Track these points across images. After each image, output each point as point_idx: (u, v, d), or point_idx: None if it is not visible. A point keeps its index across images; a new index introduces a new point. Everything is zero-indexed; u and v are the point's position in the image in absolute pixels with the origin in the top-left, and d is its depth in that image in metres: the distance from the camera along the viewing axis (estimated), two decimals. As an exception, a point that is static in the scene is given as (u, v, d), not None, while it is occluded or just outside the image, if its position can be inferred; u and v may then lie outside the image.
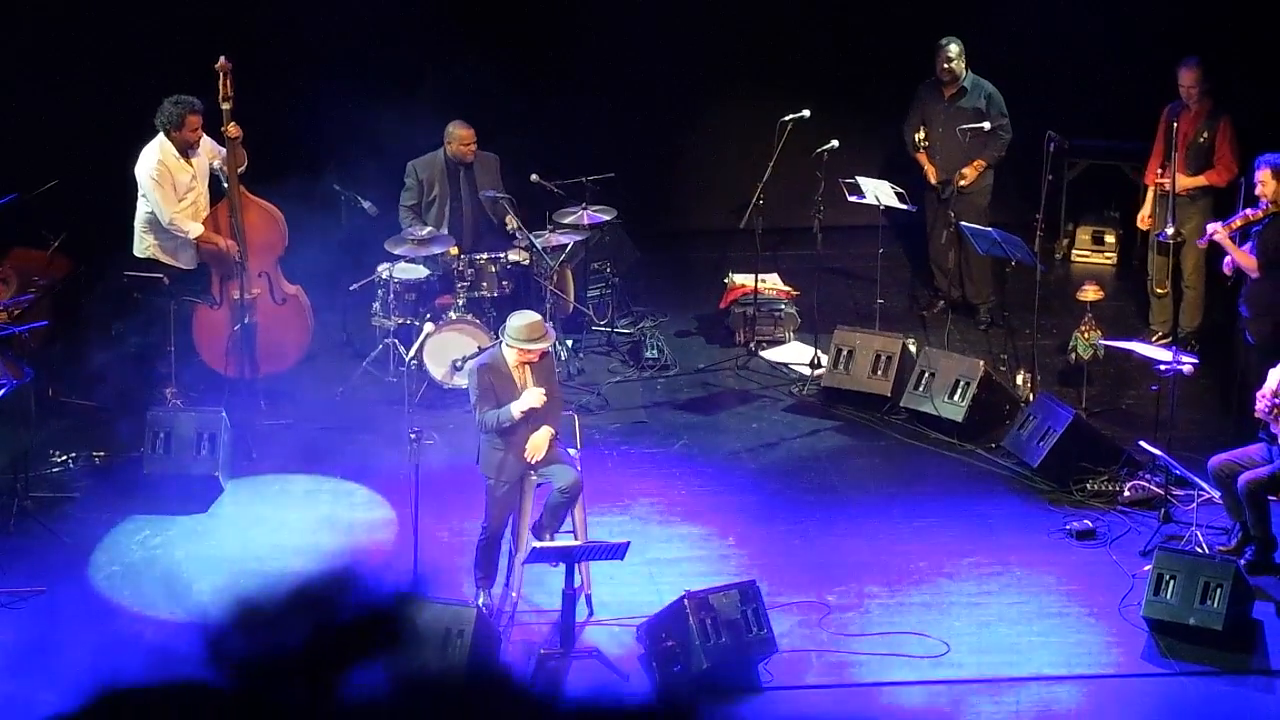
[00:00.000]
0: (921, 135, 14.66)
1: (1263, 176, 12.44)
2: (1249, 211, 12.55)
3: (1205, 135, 13.98)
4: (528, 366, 10.69)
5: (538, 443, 10.71)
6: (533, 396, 10.61)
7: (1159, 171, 13.98)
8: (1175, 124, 13.66)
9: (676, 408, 13.72)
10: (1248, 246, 12.54)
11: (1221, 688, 10.44)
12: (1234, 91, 14.25)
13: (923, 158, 14.69)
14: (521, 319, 10.73)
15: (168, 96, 12.96)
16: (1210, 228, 12.68)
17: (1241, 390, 12.52)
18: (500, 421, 10.61)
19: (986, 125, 14.42)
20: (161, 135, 12.95)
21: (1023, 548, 11.69)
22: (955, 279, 14.89)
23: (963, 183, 14.51)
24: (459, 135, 14.00)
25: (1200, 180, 13.98)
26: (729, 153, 16.07)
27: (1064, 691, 10.34)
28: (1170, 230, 13.63)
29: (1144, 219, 14.34)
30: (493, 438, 10.73)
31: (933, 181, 14.63)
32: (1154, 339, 13.88)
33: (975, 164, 14.53)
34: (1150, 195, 14.24)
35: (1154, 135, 14.18)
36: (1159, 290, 14.34)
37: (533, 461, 10.73)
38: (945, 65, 14.51)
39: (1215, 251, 13.04)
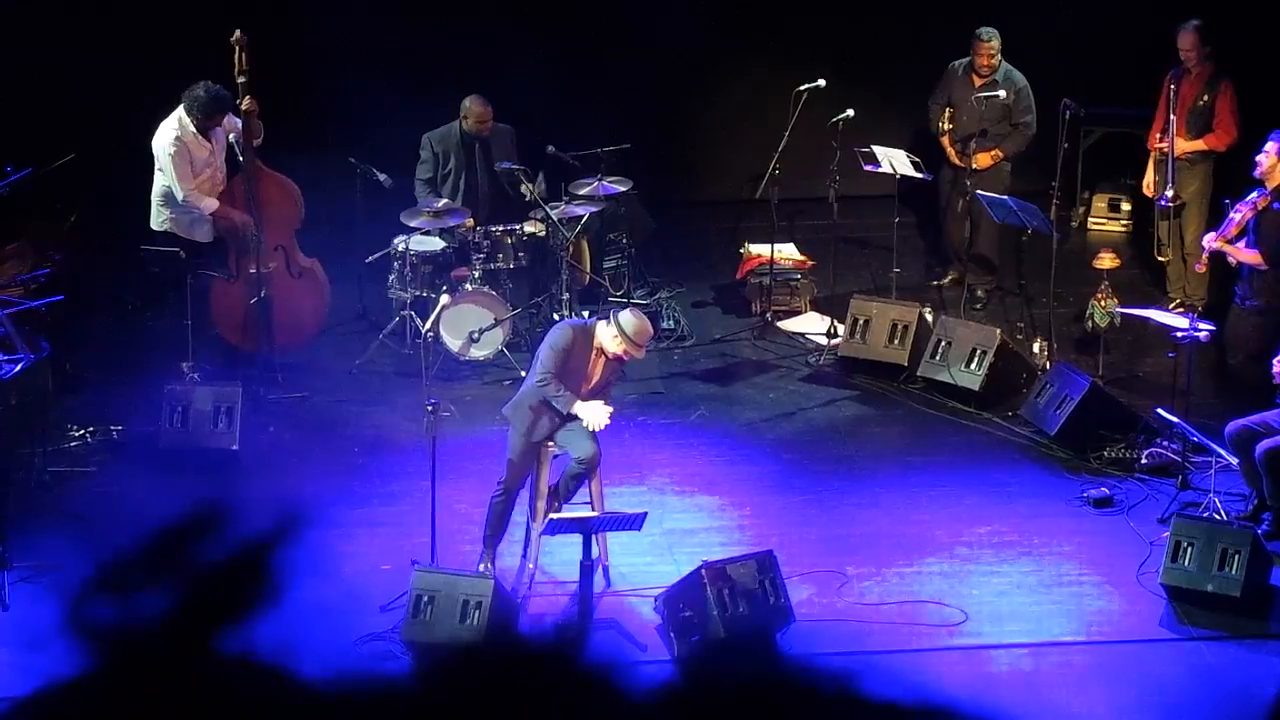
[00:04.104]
0: (946, 118, 14.57)
1: (1269, 147, 12.40)
2: (1235, 215, 12.46)
3: (1205, 99, 13.97)
4: (603, 360, 10.67)
5: (599, 416, 10.63)
6: (598, 416, 10.53)
7: (1158, 136, 14.00)
8: (1174, 88, 13.70)
9: (693, 378, 13.73)
10: (1244, 242, 12.51)
11: (1240, 654, 10.43)
12: (1240, 56, 14.19)
13: (946, 141, 14.63)
14: (640, 319, 10.67)
15: (196, 74, 12.87)
16: (1206, 241, 12.63)
17: (1234, 360, 12.55)
18: (555, 400, 10.54)
19: (1002, 94, 14.33)
20: (182, 110, 12.93)
21: (1040, 516, 11.68)
22: (965, 254, 14.84)
23: (975, 166, 14.41)
24: (475, 112, 13.99)
25: (1199, 144, 13.98)
26: (744, 123, 16.05)
27: (1083, 658, 10.34)
28: (1170, 193, 13.68)
29: (1148, 184, 14.33)
30: (540, 395, 10.69)
31: (956, 163, 14.56)
32: (1171, 306, 13.86)
33: (992, 152, 14.44)
34: (1152, 160, 14.25)
35: (1160, 98, 14.16)
36: (1159, 258, 14.34)
37: (595, 430, 10.67)
38: (988, 60, 14.40)
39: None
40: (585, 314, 13.57)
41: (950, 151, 14.57)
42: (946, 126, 14.58)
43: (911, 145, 14.67)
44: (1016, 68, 14.54)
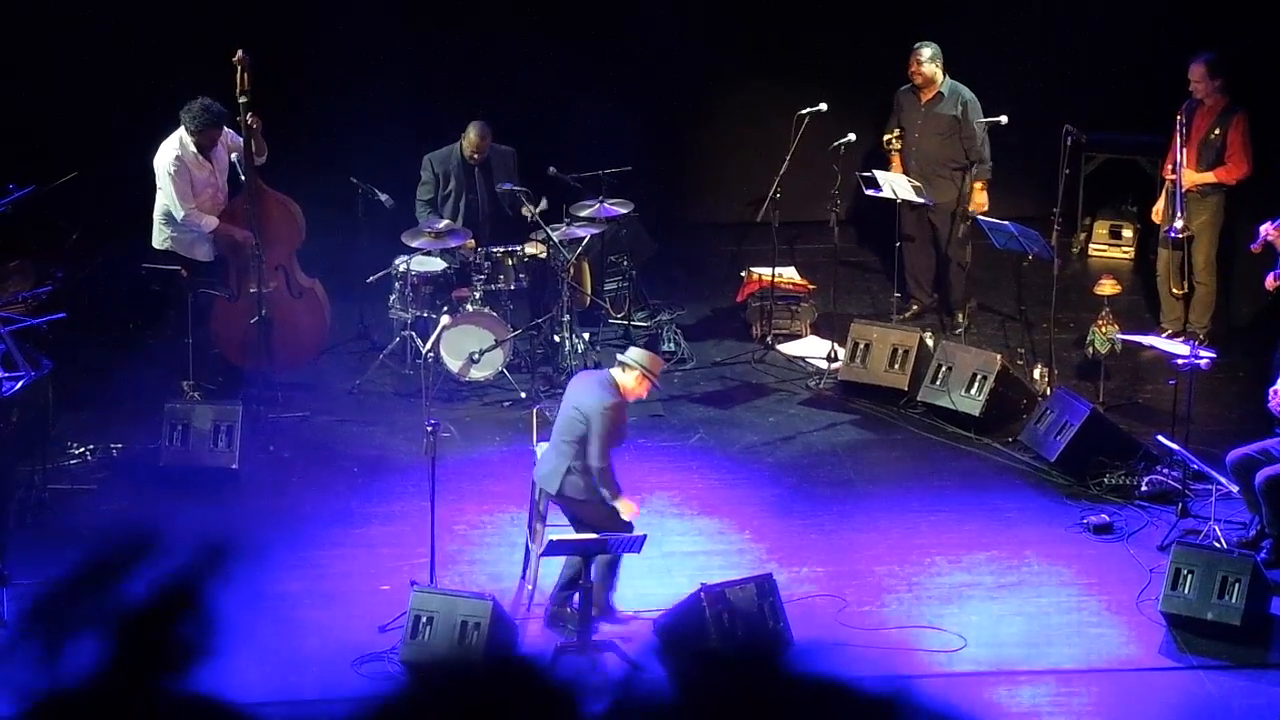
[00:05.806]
0: (893, 136, 14.55)
1: None
2: None
3: (1218, 131, 13.92)
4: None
5: (633, 510, 10.66)
6: (630, 511, 10.58)
7: (1169, 167, 13.97)
8: (1182, 119, 13.68)
9: (693, 401, 13.72)
10: None
11: (1239, 682, 10.41)
12: (1254, 88, 14.17)
13: (896, 160, 14.60)
14: (647, 349, 10.72)
15: (198, 94, 12.89)
16: (1263, 229, 12.58)
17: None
18: (603, 490, 10.52)
19: (1004, 119, 14.30)
20: (183, 129, 12.95)
21: (1039, 542, 11.67)
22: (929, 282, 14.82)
23: (977, 210, 14.33)
24: (472, 140, 13.99)
25: (1209, 176, 13.92)
26: (746, 146, 16.06)
27: (1081, 686, 10.32)
28: (1179, 224, 13.67)
29: (1158, 213, 14.32)
30: (596, 480, 10.57)
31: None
32: (1165, 336, 13.84)
33: (977, 186, 14.37)
34: (1165, 191, 14.22)
35: (1172, 129, 14.16)
36: (1175, 291, 14.27)
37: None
38: (916, 68, 14.40)
39: (1256, 261, 12.91)
40: (591, 351, 13.61)
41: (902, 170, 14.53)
42: (895, 144, 14.51)
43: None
44: (1020, 94, 14.54)
